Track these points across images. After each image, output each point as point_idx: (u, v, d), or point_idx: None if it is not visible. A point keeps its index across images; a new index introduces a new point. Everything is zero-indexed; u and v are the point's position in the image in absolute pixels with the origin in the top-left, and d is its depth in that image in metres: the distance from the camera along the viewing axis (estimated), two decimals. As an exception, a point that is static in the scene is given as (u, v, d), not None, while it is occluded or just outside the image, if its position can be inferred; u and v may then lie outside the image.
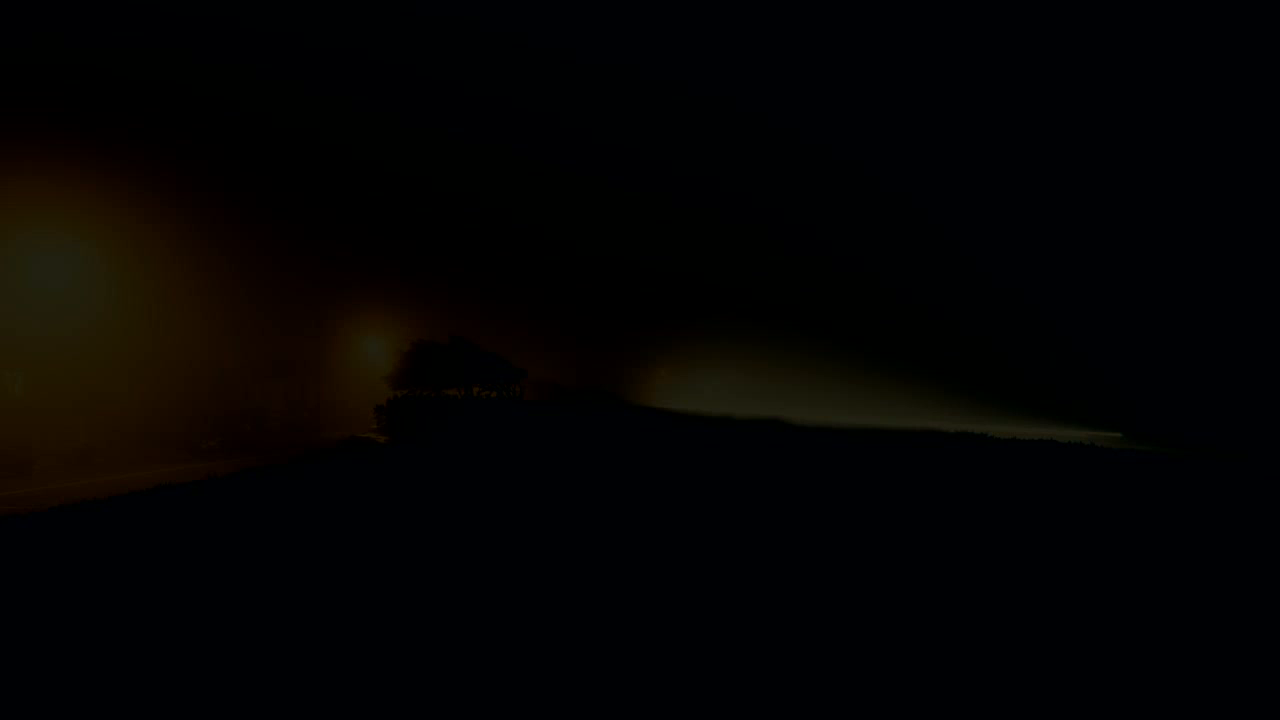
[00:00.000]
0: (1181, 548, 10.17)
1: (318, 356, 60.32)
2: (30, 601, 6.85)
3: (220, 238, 52.31)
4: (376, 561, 8.40)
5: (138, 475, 28.85)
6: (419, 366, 37.23)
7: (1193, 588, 8.08)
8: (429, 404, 34.08)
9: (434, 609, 6.73)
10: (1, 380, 39.08)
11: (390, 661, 5.53)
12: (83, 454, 35.32)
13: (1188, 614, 7.14)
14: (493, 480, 15.74)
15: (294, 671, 5.32)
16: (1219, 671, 5.76)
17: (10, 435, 35.98)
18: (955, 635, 6.34)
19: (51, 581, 7.53)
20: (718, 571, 8.22)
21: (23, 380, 39.91)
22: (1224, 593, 7.94)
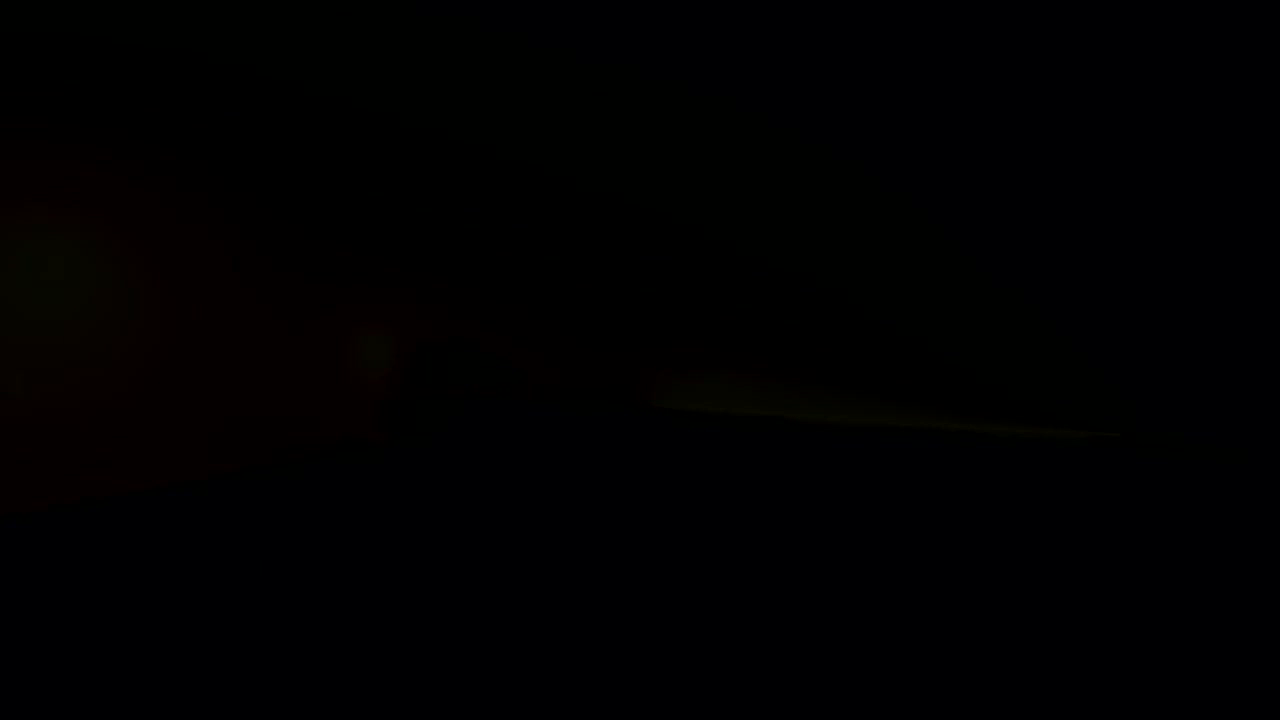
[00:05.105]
0: (1181, 548, 10.19)
1: (316, 356, 60.48)
2: (29, 602, 6.86)
3: (220, 236, 52.45)
4: (374, 563, 8.42)
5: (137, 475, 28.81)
6: (419, 366, 37.34)
7: (1193, 588, 8.10)
8: (428, 405, 34.15)
9: (427, 613, 6.75)
10: (1, 380, 39.10)
11: (387, 663, 5.54)
12: (83, 454, 35.27)
13: (1188, 614, 7.15)
14: (491, 481, 15.75)
15: (293, 674, 5.33)
16: (1219, 674, 5.77)
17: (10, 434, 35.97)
18: (958, 637, 6.35)
19: (50, 582, 7.53)
20: (715, 577, 8.22)
21: (22, 380, 39.96)
22: (1225, 593, 7.96)
